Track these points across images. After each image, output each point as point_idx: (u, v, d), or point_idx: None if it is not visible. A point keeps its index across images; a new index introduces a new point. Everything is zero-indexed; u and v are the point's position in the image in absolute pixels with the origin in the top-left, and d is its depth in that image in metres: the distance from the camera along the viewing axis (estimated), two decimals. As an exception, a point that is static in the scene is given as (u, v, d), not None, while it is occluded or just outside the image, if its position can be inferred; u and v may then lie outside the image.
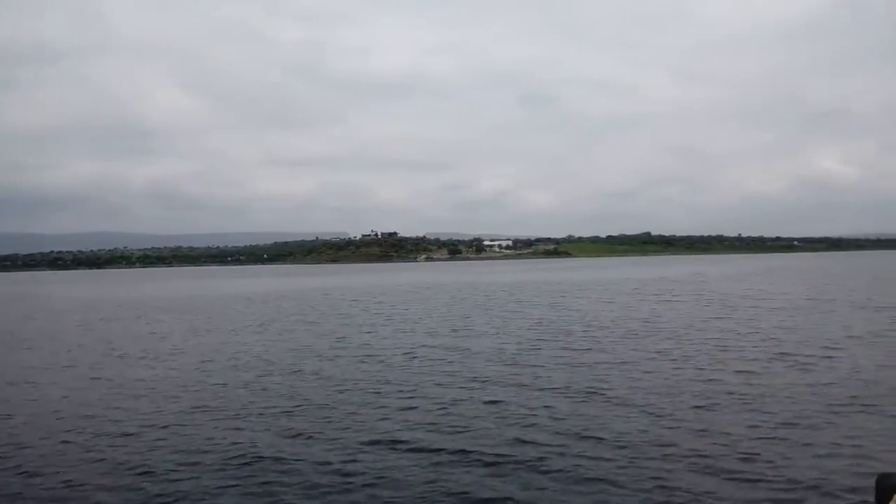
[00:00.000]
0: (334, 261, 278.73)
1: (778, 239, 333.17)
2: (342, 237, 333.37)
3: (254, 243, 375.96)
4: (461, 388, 14.72)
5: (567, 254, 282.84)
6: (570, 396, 13.56)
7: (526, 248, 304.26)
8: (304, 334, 25.84)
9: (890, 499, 3.23)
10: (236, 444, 10.74)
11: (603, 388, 14.20)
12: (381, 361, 18.67)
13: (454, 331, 25.64)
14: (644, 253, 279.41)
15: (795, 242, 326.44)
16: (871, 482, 4.02)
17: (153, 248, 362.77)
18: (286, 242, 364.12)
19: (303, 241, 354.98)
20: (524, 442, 10.49)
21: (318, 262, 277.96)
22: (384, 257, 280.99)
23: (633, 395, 13.47)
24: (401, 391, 14.48)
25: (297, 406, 13.39)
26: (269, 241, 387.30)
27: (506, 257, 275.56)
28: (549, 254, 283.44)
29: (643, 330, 24.18)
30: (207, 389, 15.23)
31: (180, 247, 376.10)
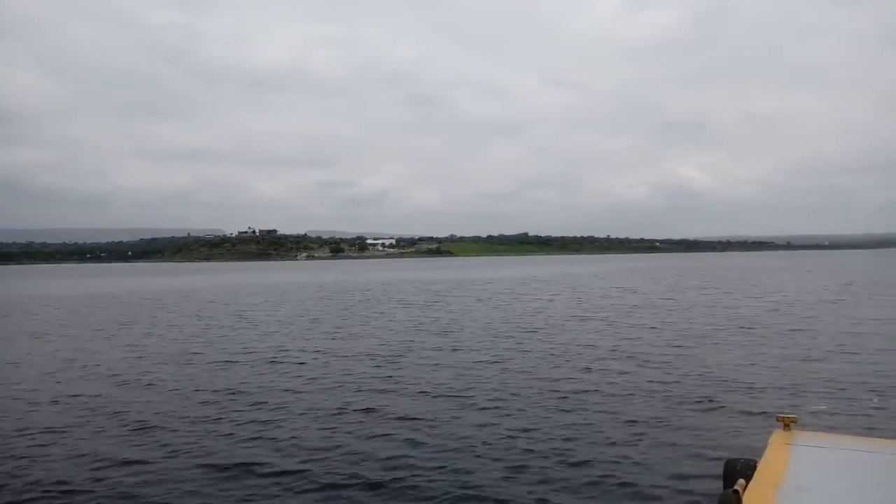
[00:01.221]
0: (208, 259, 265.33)
1: (642, 240, 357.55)
2: (217, 234, 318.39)
3: (118, 240, 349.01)
4: (323, 393, 13.64)
5: (449, 253, 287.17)
6: (436, 399, 12.91)
7: (409, 247, 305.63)
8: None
9: (735, 482, 3.38)
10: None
11: (470, 391, 13.69)
12: (238, 366, 17.11)
13: (325, 332, 24.40)
14: (522, 253, 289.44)
15: (657, 244, 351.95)
16: (720, 467, 4.24)
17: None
18: (154, 239, 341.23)
19: (173, 237, 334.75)
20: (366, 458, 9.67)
21: (190, 259, 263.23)
22: (262, 255, 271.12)
23: (499, 397, 13.03)
24: (255, 402, 13.13)
25: (125, 428, 11.71)
26: (136, 238, 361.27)
27: (389, 256, 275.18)
28: (431, 253, 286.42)
29: (513, 329, 24.19)
30: None
31: (32, 242, 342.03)
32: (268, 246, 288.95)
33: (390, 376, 15.42)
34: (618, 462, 9.26)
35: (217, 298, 45.42)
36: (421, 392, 13.54)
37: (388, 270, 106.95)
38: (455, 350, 19.30)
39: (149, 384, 15.09)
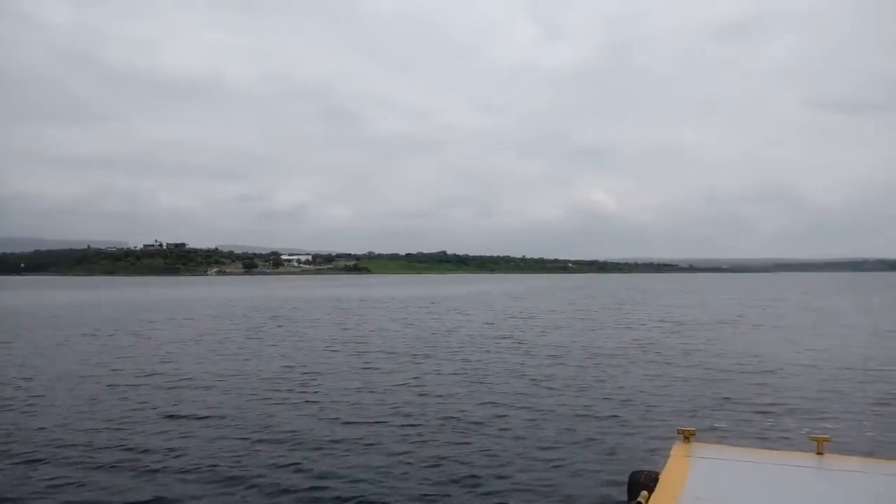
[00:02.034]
0: (110, 273, 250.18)
1: (556, 261, 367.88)
2: (120, 247, 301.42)
3: (8, 250, 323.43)
4: (225, 422, 12.86)
5: (367, 270, 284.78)
6: (347, 425, 12.44)
7: (326, 263, 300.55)
8: None
9: (639, 493, 3.48)
10: None
11: (382, 416, 13.32)
12: (141, 390, 15.95)
13: (231, 353, 23.29)
14: (440, 271, 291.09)
15: (570, 264, 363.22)
16: (625, 479, 4.26)
17: None
18: (49, 251, 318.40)
19: (71, 249, 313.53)
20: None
21: (91, 273, 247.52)
22: (170, 270, 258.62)
23: (411, 423, 12.74)
24: (152, 431, 12.19)
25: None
26: (29, 249, 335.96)
27: (305, 272, 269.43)
28: (349, 270, 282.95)
29: (427, 348, 24.01)
30: None
31: None
32: (176, 260, 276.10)
33: (299, 401, 14.80)
34: (527, 477, 9.23)
35: (114, 315, 42.69)
36: (332, 419, 12.83)
37: (303, 287, 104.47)
38: (366, 369, 18.84)
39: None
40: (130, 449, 10.51)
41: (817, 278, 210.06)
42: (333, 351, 22.91)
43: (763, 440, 11.06)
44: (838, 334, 29.19)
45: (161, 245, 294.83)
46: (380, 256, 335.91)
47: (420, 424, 12.20)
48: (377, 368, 18.91)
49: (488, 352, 22.66)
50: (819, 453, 3.76)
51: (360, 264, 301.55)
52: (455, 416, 12.86)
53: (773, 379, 17.01)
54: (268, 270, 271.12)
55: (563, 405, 13.89)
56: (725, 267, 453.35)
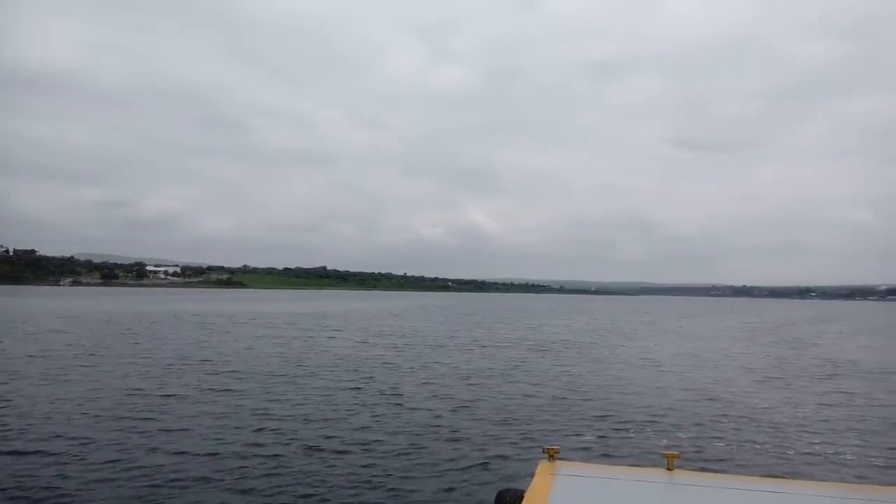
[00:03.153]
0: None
1: (437, 279, 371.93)
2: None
3: None
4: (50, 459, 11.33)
5: (241, 284, 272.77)
6: (184, 456, 11.36)
7: (196, 276, 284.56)
8: None
9: None
10: None
11: (230, 443, 12.35)
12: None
13: (69, 373, 20.99)
14: (319, 287, 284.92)
15: (450, 283, 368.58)
16: (492, 498, 4.28)
17: None
18: None
19: None
20: None
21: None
22: (15, 279, 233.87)
23: (256, 453, 11.90)
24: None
25: None
26: None
27: (172, 285, 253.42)
28: (221, 284, 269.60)
29: (290, 367, 22.97)
30: None
31: None
32: (24, 268, 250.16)
33: (128, 429, 13.48)
34: (394, 502, 8.96)
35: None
36: (172, 451, 11.49)
37: (167, 301, 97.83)
38: (220, 391, 17.37)
39: None
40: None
41: (673, 301, 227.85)
42: (186, 372, 20.89)
43: (622, 457, 11.40)
44: (690, 355, 31.37)
45: (7, 251, 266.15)
46: (256, 270, 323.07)
47: (276, 455, 11.32)
48: (233, 391, 17.42)
49: (356, 370, 21.94)
50: (670, 469, 3.89)
51: (235, 278, 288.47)
52: (314, 439, 12.16)
53: (632, 397, 17.81)
54: (130, 282, 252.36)
55: (430, 426, 13.63)
56: (593, 289, 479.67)
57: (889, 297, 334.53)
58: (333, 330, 42.20)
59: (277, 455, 11.01)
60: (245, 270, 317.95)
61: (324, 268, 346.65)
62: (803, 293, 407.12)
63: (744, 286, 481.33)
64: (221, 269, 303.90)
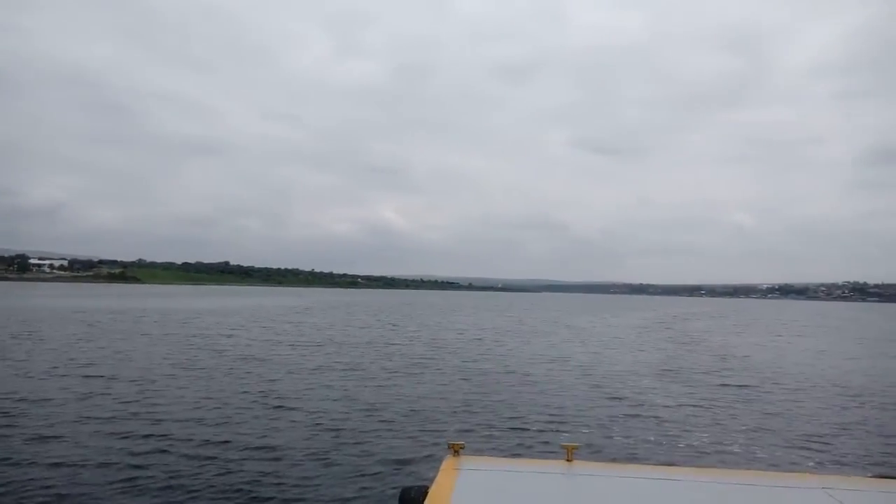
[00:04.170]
0: None
1: (345, 275, 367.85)
2: None
3: None
4: None
5: (136, 279, 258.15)
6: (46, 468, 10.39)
7: (86, 270, 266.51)
8: None
9: None
10: None
11: (103, 454, 11.43)
12: None
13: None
14: (222, 283, 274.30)
15: (359, 280, 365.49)
16: (396, 492, 4.22)
17: None
18: None
19: None
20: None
21: None
22: None
23: (147, 458, 11.10)
24: None
25: None
26: None
27: (59, 279, 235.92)
28: (114, 278, 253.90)
29: (177, 368, 21.80)
30: None
31: None
32: None
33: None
34: (301, 499, 8.79)
35: None
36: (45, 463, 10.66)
37: (50, 297, 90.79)
38: (100, 395, 15.97)
39: None
40: None
41: (575, 298, 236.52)
42: (59, 375, 19.13)
43: (526, 449, 11.56)
44: (590, 350, 32.49)
45: None
46: (152, 265, 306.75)
47: (160, 464, 10.57)
48: (112, 394, 16.01)
49: (253, 372, 20.72)
50: (569, 460, 4.03)
51: (129, 272, 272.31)
52: (205, 448, 11.36)
53: (536, 392, 18.14)
54: (11, 276, 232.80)
55: (332, 429, 13.26)
56: (499, 286, 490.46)
57: (769, 294, 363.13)
58: (231, 328, 40.20)
59: (162, 464, 10.22)
60: (140, 265, 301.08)
61: (226, 263, 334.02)
62: (694, 291, 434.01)
63: (640, 284, 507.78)
64: (114, 262, 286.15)
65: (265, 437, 12.07)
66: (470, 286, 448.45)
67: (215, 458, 10.57)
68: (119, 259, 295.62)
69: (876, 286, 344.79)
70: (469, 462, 3.99)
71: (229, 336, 33.44)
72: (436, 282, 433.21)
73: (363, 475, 9.96)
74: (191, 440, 11.61)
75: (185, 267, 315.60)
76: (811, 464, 11.24)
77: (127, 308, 61.12)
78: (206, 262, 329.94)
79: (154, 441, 11.45)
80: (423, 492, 3.66)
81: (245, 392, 16.68)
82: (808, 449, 12.42)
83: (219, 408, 14.58)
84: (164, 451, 10.83)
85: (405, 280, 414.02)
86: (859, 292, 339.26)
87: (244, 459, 10.51)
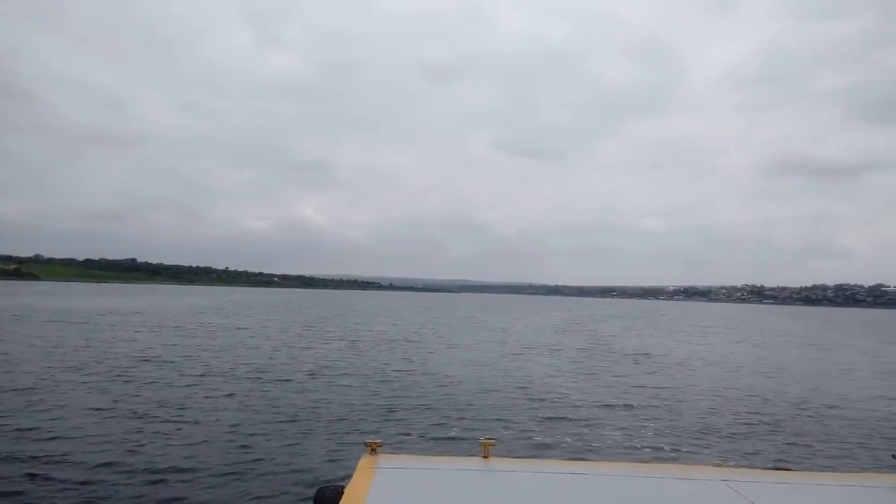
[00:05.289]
0: None
1: (261, 274, 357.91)
2: None
3: None
4: None
5: (33, 276, 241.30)
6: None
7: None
8: None
9: None
10: None
11: None
12: None
13: None
14: (127, 280, 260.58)
15: (276, 279, 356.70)
16: (312, 493, 4.22)
17: None
18: None
19: None
20: None
21: None
22: None
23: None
24: None
25: None
26: None
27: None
28: (7, 274, 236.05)
29: (58, 371, 20.52)
30: None
31: None
32: None
33: None
34: (211, 501, 8.52)
35: None
36: None
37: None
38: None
39: None
40: None
41: (494, 299, 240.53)
42: None
43: (445, 445, 11.61)
44: (508, 351, 33.05)
45: None
46: (51, 261, 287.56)
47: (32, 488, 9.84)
48: None
49: (148, 380, 19.36)
50: (486, 457, 4.09)
51: (24, 269, 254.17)
52: (86, 459, 10.56)
53: (455, 391, 18.23)
54: None
55: (244, 420, 12.92)
56: (421, 286, 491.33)
57: (675, 296, 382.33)
58: (131, 328, 38.02)
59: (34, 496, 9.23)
60: (38, 260, 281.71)
61: (133, 260, 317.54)
62: (606, 292, 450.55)
63: (556, 285, 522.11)
64: (9, 258, 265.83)
65: (164, 449, 11.45)
66: (391, 286, 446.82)
67: (104, 482, 9.20)
68: (14, 255, 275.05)
69: (771, 289, 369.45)
70: (386, 460, 4.00)
71: (130, 340, 31.73)
72: (356, 281, 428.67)
73: (277, 475, 9.72)
74: (65, 455, 10.46)
75: (88, 263, 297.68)
76: (713, 456, 11.85)
77: (15, 306, 56.74)
78: (111, 258, 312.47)
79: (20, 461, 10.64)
80: (339, 492, 3.66)
81: (137, 406, 15.82)
82: (712, 443, 13.12)
83: (99, 423, 12.90)
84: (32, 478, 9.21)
85: (324, 279, 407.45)
86: (757, 295, 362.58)
87: (131, 476, 9.96)
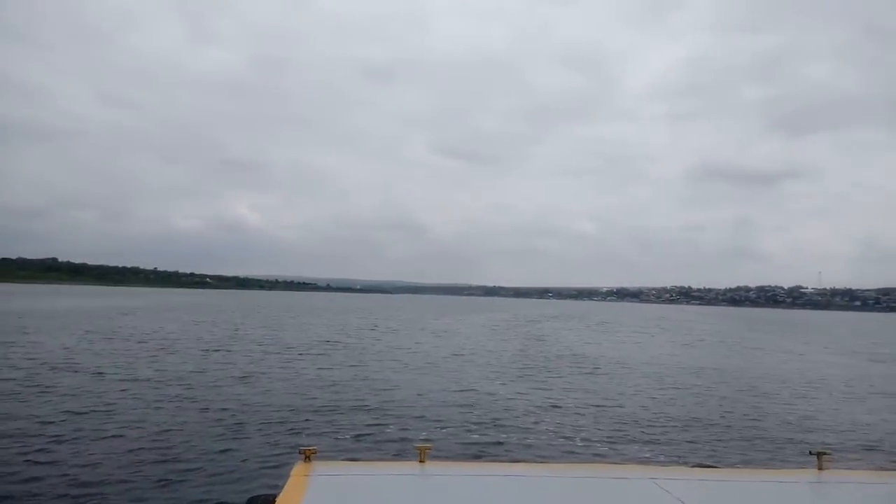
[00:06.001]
0: None
1: (193, 275, 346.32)
2: None
3: None
4: None
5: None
6: None
7: None
8: None
9: None
10: None
11: None
12: None
13: None
14: (47, 281, 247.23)
15: (208, 279, 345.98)
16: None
17: None
18: None
19: None
20: None
21: None
22: None
23: None
24: None
25: None
26: None
27: None
28: None
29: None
30: None
31: None
32: None
33: None
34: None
35: None
36: None
37: None
38: None
39: None
40: None
41: (432, 300, 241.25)
42: None
43: (380, 451, 11.51)
44: (447, 353, 33.18)
45: None
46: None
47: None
48: None
49: (68, 389, 18.85)
50: (422, 461, 4.04)
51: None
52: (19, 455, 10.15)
53: (390, 395, 18.13)
54: None
55: (173, 424, 12.47)
56: (359, 287, 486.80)
57: (608, 297, 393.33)
58: (35, 333, 36.16)
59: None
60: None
61: (54, 259, 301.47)
62: (543, 293, 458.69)
63: (494, 286, 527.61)
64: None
65: (78, 456, 10.92)
66: (328, 287, 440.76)
67: (20, 500, 8.74)
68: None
69: (698, 290, 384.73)
70: (321, 467, 3.92)
71: (33, 343, 30.10)
72: (292, 282, 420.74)
73: (206, 486, 9.38)
74: None
75: (3, 263, 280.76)
76: (642, 454, 12.22)
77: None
78: (28, 258, 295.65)
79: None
80: (271, 500, 3.56)
81: (48, 404, 15.02)
82: (641, 441, 13.53)
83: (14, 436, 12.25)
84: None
85: (259, 280, 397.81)
86: (684, 296, 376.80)
87: (53, 487, 9.42)
